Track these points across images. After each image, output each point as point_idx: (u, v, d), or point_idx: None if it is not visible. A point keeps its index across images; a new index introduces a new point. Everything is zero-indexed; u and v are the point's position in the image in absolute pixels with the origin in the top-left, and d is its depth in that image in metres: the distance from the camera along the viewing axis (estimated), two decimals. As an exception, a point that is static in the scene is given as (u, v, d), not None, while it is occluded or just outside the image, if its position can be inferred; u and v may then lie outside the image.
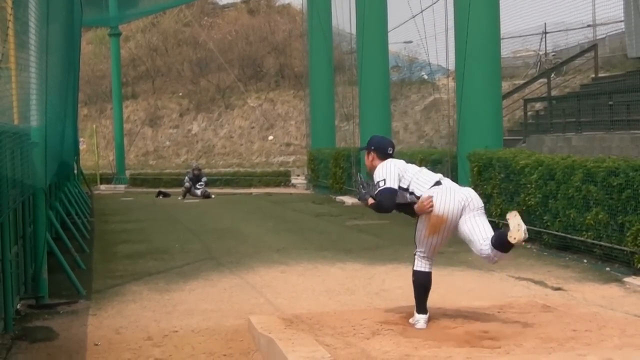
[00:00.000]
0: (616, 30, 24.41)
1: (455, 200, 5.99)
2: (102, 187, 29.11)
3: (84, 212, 16.89)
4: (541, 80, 24.16)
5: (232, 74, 35.15)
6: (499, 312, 6.55)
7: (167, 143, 35.73)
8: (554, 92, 23.24)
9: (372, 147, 6.42)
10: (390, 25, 19.53)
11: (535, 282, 8.41)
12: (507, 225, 5.85)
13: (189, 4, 38.30)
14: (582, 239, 9.63)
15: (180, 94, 37.47)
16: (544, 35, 27.44)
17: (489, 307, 6.74)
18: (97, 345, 6.26)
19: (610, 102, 17.44)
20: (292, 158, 32.38)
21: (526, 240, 10.93)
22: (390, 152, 6.37)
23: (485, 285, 8.35)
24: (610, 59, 24.35)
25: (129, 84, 37.68)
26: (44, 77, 8.28)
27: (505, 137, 17.44)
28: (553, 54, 27.48)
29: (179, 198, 22.53)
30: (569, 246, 10.09)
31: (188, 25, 40.01)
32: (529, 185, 10.75)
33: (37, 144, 8.35)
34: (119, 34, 31.91)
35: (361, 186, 6.39)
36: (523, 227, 5.75)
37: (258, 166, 31.37)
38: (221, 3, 43.36)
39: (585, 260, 9.57)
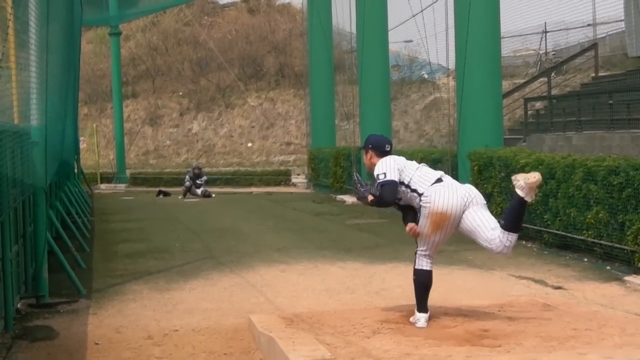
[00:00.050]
0: (616, 29, 24.42)
1: (457, 197, 6.01)
2: (103, 186, 29.12)
3: (85, 211, 16.89)
4: (541, 79, 24.16)
5: (232, 73, 35.15)
6: (499, 310, 6.56)
7: (168, 142, 35.74)
8: (554, 91, 23.23)
9: (370, 146, 6.44)
10: (390, 24, 19.53)
11: (536, 281, 8.41)
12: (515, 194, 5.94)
13: (189, 3, 38.30)
14: (582, 237, 9.63)
15: (181, 93, 37.47)
16: (544, 35, 27.43)
17: (489, 306, 6.74)
18: (97, 344, 6.26)
19: (611, 101, 17.43)
20: (292, 157, 32.39)
21: (526, 240, 10.96)
22: (388, 149, 6.39)
23: (485, 284, 8.35)
24: (610, 58, 24.35)
25: (129, 83, 37.68)
26: (44, 77, 8.28)
27: (505, 136, 17.44)
28: (553, 53, 27.47)
29: (180, 197, 22.54)
30: (569, 245, 10.09)
31: (188, 25, 40.01)
32: (529, 184, 10.73)
33: (37, 143, 8.35)
34: (119, 33, 31.92)
35: (359, 185, 6.40)
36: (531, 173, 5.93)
37: (258, 165, 31.37)
38: (221, 2, 43.37)
39: (585, 259, 9.57)
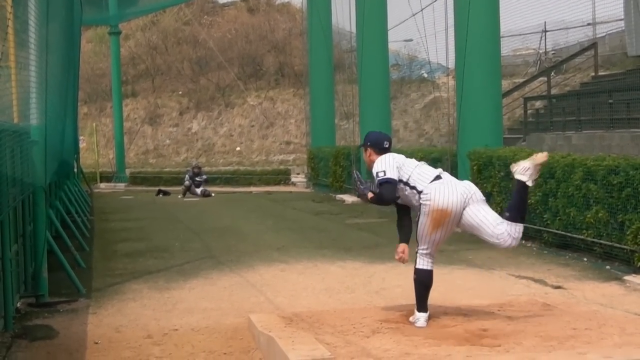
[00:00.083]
0: (616, 28, 24.42)
1: (457, 193, 6.01)
2: (102, 185, 29.12)
3: (84, 210, 16.90)
4: (541, 78, 24.16)
5: (231, 72, 35.15)
6: (498, 310, 6.56)
7: (167, 141, 35.74)
8: (554, 91, 23.23)
9: (369, 143, 6.45)
10: (390, 24, 19.54)
11: (535, 281, 8.41)
12: (518, 181, 6.04)
13: (189, 2, 38.30)
14: (582, 237, 9.63)
15: (180, 92, 37.47)
16: (543, 34, 27.44)
17: (488, 306, 6.74)
18: (97, 343, 6.26)
19: (610, 101, 17.44)
20: (292, 156, 32.39)
21: (526, 239, 10.95)
22: (387, 146, 6.39)
23: (485, 284, 8.35)
24: (610, 58, 24.35)
25: (128, 83, 37.68)
26: (43, 76, 8.28)
27: (505, 136, 17.44)
28: (553, 52, 27.47)
29: (179, 196, 22.54)
30: (569, 245, 10.09)
31: (188, 24, 40.01)
32: (529, 184, 10.73)
33: (37, 142, 8.34)
34: (119, 33, 31.91)
35: (359, 182, 6.40)
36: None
37: (258, 165, 31.37)
38: (221, 2, 43.37)
39: (585, 259, 9.57)
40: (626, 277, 8.33)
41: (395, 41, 29.64)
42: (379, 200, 6.21)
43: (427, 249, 6.13)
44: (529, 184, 6.02)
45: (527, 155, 10.98)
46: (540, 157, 6.05)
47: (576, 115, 18.78)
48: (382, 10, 18.38)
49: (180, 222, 15.32)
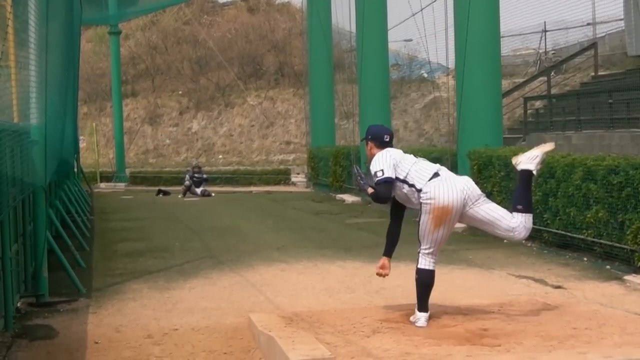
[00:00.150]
0: (616, 28, 24.42)
1: (457, 190, 6.02)
2: (102, 185, 29.12)
3: (84, 210, 16.89)
4: (541, 78, 24.15)
5: (231, 72, 35.14)
6: (499, 310, 6.55)
7: (167, 141, 35.73)
8: (553, 91, 23.23)
9: (369, 137, 6.46)
10: (390, 24, 19.52)
11: (536, 280, 8.41)
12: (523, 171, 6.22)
13: (189, 2, 38.29)
14: (582, 237, 9.63)
15: (180, 92, 37.46)
16: (543, 34, 27.43)
17: (489, 305, 6.74)
18: (97, 343, 6.26)
19: (610, 101, 17.44)
20: (292, 156, 32.39)
21: (526, 239, 10.98)
22: (387, 139, 6.40)
23: (485, 284, 8.35)
24: (610, 57, 24.34)
25: (128, 82, 37.67)
26: (43, 75, 8.27)
27: (505, 136, 17.45)
28: (553, 52, 27.47)
29: (179, 196, 22.54)
30: (569, 244, 10.09)
31: (188, 24, 39.99)
32: (529, 184, 10.73)
33: (37, 142, 8.34)
34: (119, 32, 31.91)
35: (359, 178, 6.41)
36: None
37: (258, 164, 31.37)
38: (221, 1, 43.36)
39: (585, 259, 9.57)
40: (626, 277, 8.33)
41: (395, 41, 29.69)
42: (376, 198, 6.22)
43: (429, 248, 6.12)
44: (535, 172, 6.21)
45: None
46: (549, 145, 6.26)
47: (576, 115, 18.78)
48: (382, 10, 18.37)
49: (180, 222, 15.32)
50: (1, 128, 5.97)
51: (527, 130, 20.29)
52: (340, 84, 24.38)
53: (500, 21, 14.08)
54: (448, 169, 6.41)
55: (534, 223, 10.51)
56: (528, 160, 6.23)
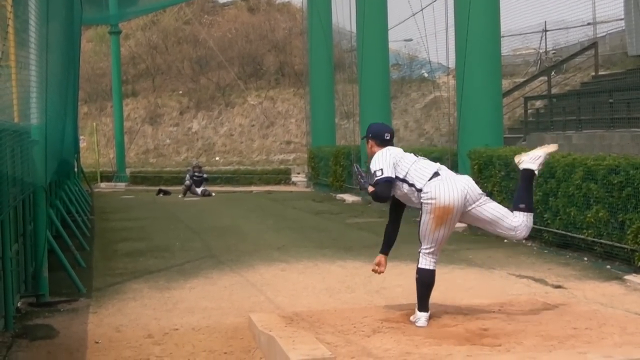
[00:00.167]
0: (616, 28, 24.41)
1: (458, 189, 6.02)
2: (103, 185, 29.12)
3: (85, 210, 16.89)
4: (541, 78, 24.14)
5: (232, 72, 35.14)
6: (499, 309, 6.55)
7: (168, 141, 35.74)
8: (554, 90, 23.23)
9: (370, 135, 6.46)
10: (390, 23, 19.52)
11: (536, 280, 8.41)
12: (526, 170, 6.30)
13: (189, 2, 38.29)
14: (582, 236, 9.63)
15: (181, 92, 37.47)
16: (544, 33, 27.42)
17: (489, 305, 6.74)
18: (97, 343, 6.26)
19: (611, 100, 17.43)
20: (292, 156, 32.39)
21: (526, 239, 10.99)
22: (388, 137, 6.40)
23: (485, 283, 8.35)
24: (610, 57, 24.34)
25: (129, 82, 37.68)
26: (44, 75, 8.28)
27: (505, 135, 17.44)
28: (553, 52, 27.46)
29: (180, 196, 22.54)
30: (569, 244, 10.09)
31: (188, 23, 40.00)
32: (529, 183, 10.73)
33: (37, 142, 8.34)
34: (119, 32, 31.90)
35: (360, 176, 6.40)
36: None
37: (258, 164, 31.37)
38: (221, 1, 43.37)
39: (585, 258, 9.57)
40: (626, 277, 8.33)
41: (396, 41, 29.67)
42: (376, 197, 6.23)
43: (430, 247, 6.11)
44: (537, 172, 6.31)
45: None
46: (552, 147, 6.35)
47: (576, 114, 18.77)
48: (383, 10, 18.37)
49: (180, 222, 15.32)
50: (1, 128, 5.97)
51: (528, 130, 20.28)
52: (341, 84, 24.39)
53: (501, 21, 14.10)
54: (448, 168, 6.41)
55: (534, 223, 10.57)
56: (530, 160, 6.29)
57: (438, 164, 6.30)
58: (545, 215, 10.48)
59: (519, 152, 11.43)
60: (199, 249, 11.37)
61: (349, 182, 20.02)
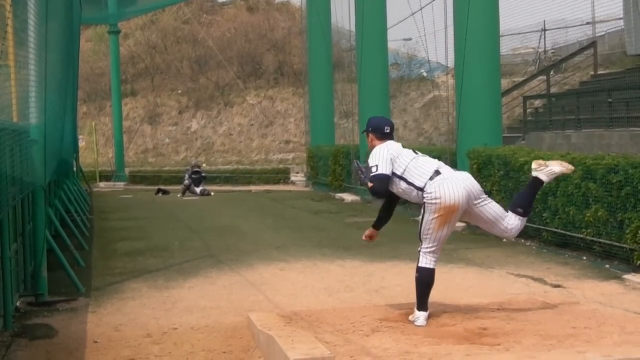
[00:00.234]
0: (615, 27, 24.43)
1: (461, 188, 6.01)
2: (102, 184, 29.12)
3: (83, 209, 16.89)
4: (540, 77, 24.15)
5: (231, 71, 35.14)
6: (498, 309, 6.55)
7: (167, 140, 35.73)
8: (553, 90, 23.24)
9: (370, 128, 6.45)
10: (389, 23, 19.51)
11: (535, 279, 8.41)
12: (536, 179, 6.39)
13: (188, 1, 38.29)
14: (581, 236, 9.63)
15: (180, 91, 37.47)
16: (543, 33, 27.44)
17: (488, 304, 6.74)
18: (96, 342, 6.26)
19: (610, 100, 17.44)
20: (291, 155, 32.40)
21: (525, 238, 10.98)
22: (388, 130, 6.39)
23: (484, 282, 8.35)
24: (609, 57, 24.35)
25: (128, 82, 37.68)
26: (43, 75, 8.27)
27: (504, 135, 17.45)
28: (552, 51, 27.48)
29: (179, 195, 22.54)
30: (568, 243, 10.09)
31: (187, 23, 40.00)
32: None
33: (36, 141, 8.34)
34: (118, 32, 31.90)
35: (359, 172, 6.39)
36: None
37: (257, 163, 31.37)
38: (220, 0, 43.36)
39: (584, 258, 9.57)
40: (625, 276, 8.33)
41: (395, 40, 29.69)
42: (373, 193, 6.24)
43: (432, 246, 6.09)
44: (546, 183, 6.46)
45: (526, 154, 11.06)
46: (570, 168, 6.47)
47: (575, 114, 18.78)
48: (382, 9, 18.37)
49: (179, 221, 15.32)
50: (1, 127, 5.97)
51: (527, 129, 20.29)
52: (340, 83, 24.39)
53: (500, 20, 14.09)
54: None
55: (533, 222, 10.60)
56: (546, 173, 6.38)
57: (437, 161, 6.26)
58: (544, 215, 10.48)
59: (517, 152, 11.50)
60: (198, 249, 11.37)
61: (348, 182, 20.02)
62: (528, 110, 21.79)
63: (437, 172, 6.07)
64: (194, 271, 9.40)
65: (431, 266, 6.13)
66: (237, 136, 34.73)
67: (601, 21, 25.61)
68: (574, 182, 9.63)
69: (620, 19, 23.06)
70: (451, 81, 19.99)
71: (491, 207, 6.23)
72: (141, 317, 7.09)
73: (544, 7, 33.53)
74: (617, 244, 8.90)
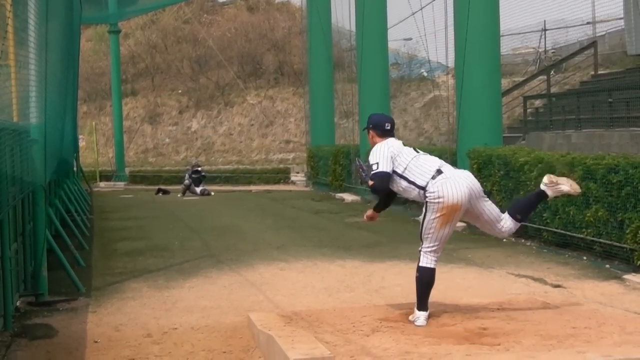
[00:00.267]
0: (616, 27, 24.42)
1: (464, 186, 6.02)
2: (102, 184, 29.12)
3: (84, 209, 16.89)
4: (541, 77, 24.15)
5: (231, 71, 35.14)
6: (498, 309, 6.55)
7: (167, 140, 35.73)
8: (553, 89, 23.23)
9: (370, 125, 6.44)
10: (389, 23, 19.52)
11: (535, 279, 8.41)
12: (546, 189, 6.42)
13: (189, 1, 38.30)
14: (581, 236, 9.63)
15: (180, 91, 37.46)
16: (543, 33, 27.43)
17: (488, 304, 6.74)
18: (96, 342, 6.26)
19: (610, 100, 17.44)
20: (291, 155, 32.39)
21: (526, 238, 10.98)
22: (388, 127, 6.38)
23: (484, 282, 8.34)
24: (609, 56, 24.34)
25: (128, 81, 37.68)
26: (43, 75, 8.27)
27: (504, 134, 17.45)
28: (552, 51, 27.47)
29: (179, 195, 22.54)
30: (568, 243, 10.09)
31: (187, 23, 40.00)
32: (528, 183, 10.75)
33: (36, 141, 8.34)
34: (119, 31, 31.91)
35: (361, 170, 6.39)
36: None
37: (257, 163, 31.37)
38: (220, 0, 43.35)
39: (584, 258, 9.57)
40: (626, 276, 8.33)
41: (395, 40, 29.67)
42: (374, 190, 6.25)
43: (433, 246, 6.08)
44: (550, 198, 6.51)
45: (527, 154, 11.06)
46: (578, 191, 6.53)
47: (576, 114, 18.78)
48: (382, 9, 18.37)
49: (179, 221, 15.32)
50: (1, 127, 5.97)
51: (527, 129, 20.29)
52: (340, 83, 24.38)
53: (500, 20, 14.09)
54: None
55: (533, 222, 10.61)
56: (554, 190, 6.41)
57: (438, 159, 6.24)
58: (544, 215, 10.48)
59: (518, 152, 11.50)
60: (198, 248, 11.37)
61: (348, 182, 20.01)
62: (528, 110, 21.79)
63: (439, 171, 6.06)
64: (194, 271, 9.40)
65: (432, 266, 6.13)
66: (237, 136, 34.73)
67: (601, 21, 25.61)
68: (574, 182, 9.62)
69: (620, 18, 23.06)
70: (451, 81, 19.99)
71: (490, 207, 6.26)
72: (141, 317, 7.09)
73: (544, 7, 33.55)
74: (618, 244, 8.90)
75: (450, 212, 5.98)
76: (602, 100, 18.02)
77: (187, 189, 22.75)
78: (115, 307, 7.52)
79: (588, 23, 26.18)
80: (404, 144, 6.36)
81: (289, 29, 37.50)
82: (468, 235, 11.53)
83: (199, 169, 23.22)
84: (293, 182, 26.66)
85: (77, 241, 11.56)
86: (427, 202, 6.02)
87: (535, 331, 5.72)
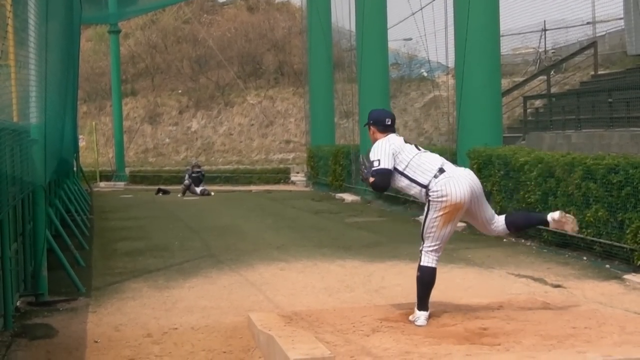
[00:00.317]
0: (616, 27, 24.41)
1: (466, 185, 6.02)
2: (102, 184, 29.12)
3: (84, 209, 16.89)
4: (541, 77, 24.14)
5: (231, 71, 35.14)
6: (498, 309, 6.55)
7: (167, 140, 35.73)
8: (553, 90, 23.23)
9: (371, 121, 6.43)
10: (389, 23, 19.50)
11: (535, 279, 8.41)
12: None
13: (189, 1, 38.30)
14: (581, 236, 9.63)
15: (180, 91, 37.46)
16: (543, 33, 27.42)
17: (488, 304, 6.74)
18: (96, 342, 6.26)
19: (610, 100, 17.44)
20: (291, 155, 32.39)
21: (526, 238, 10.99)
22: (389, 123, 6.37)
23: (484, 283, 8.34)
24: (609, 57, 24.34)
25: (128, 81, 37.68)
26: (43, 75, 8.27)
27: (504, 135, 17.44)
28: (553, 51, 27.46)
29: (179, 195, 22.55)
30: (568, 243, 10.09)
31: (187, 23, 40.00)
32: (528, 183, 10.75)
33: (36, 141, 8.34)
34: (119, 31, 31.92)
35: (363, 167, 6.37)
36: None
37: (257, 163, 31.37)
38: (220, 0, 43.35)
39: (584, 258, 9.57)
40: (626, 276, 8.33)
41: (395, 40, 29.63)
42: (375, 187, 6.25)
43: (435, 245, 6.08)
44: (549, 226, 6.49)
45: (527, 154, 11.07)
46: (575, 230, 6.49)
47: (576, 114, 18.77)
48: (382, 9, 18.36)
49: (179, 221, 15.31)
50: (1, 127, 5.97)
51: (527, 130, 20.28)
52: (340, 83, 24.38)
53: (500, 20, 14.09)
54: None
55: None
56: (557, 225, 6.41)
57: (440, 158, 6.22)
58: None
59: (518, 152, 11.51)
60: (198, 248, 11.37)
61: (348, 182, 20.01)
62: (528, 110, 21.79)
63: (441, 170, 6.05)
64: (194, 271, 9.40)
65: (433, 265, 6.12)
66: (237, 136, 34.73)
67: (601, 21, 25.60)
68: (574, 182, 9.63)
69: (620, 19, 23.06)
70: (451, 81, 19.99)
71: (486, 206, 6.29)
72: (141, 317, 7.09)
73: (544, 7, 33.50)
74: (618, 244, 8.90)
75: (453, 210, 5.98)
76: (602, 100, 18.02)
77: (187, 189, 22.76)
78: (115, 307, 7.52)
79: (588, 23, 26.17)
80: (406, 141, 6.34)
81: (289, 29, 37.50)
82: (468, 235, 11.53)
83: (200, 170, 23.24)
84: (293, 182, 26.66)
85: (77, 241, 11.56)
86: (429, 200, 6.01)
87: (535, 331, 5.72)
